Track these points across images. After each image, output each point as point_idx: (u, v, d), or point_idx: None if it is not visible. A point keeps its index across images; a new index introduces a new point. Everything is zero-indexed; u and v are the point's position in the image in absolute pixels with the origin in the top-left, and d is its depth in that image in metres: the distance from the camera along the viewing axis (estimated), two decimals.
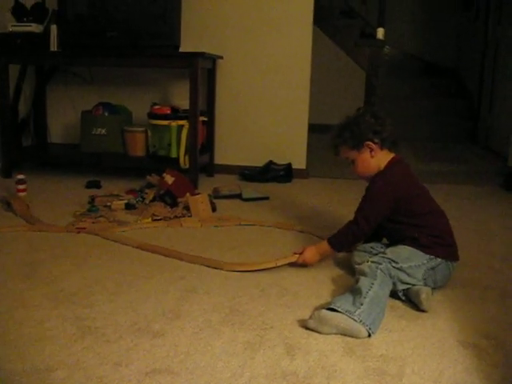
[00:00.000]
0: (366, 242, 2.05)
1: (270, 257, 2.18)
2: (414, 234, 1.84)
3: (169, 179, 2.84)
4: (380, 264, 1.73)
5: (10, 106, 3.71)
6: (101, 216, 2.67)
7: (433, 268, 1.81)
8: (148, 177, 3.09)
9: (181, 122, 3.36)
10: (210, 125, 3.74)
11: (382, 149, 1.96)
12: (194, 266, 2.08)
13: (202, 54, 3.31)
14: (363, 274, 1.71)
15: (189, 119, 3.33)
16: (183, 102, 3.66)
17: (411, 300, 1.76)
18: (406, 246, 1.83)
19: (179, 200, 2.77)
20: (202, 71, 3.48)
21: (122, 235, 2.42)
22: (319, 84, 3.86)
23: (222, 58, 3.73)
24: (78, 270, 2.02)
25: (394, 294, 1.77)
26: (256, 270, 2.03)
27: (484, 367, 1.41)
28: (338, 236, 2.01)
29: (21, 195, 2.98)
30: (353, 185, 3.52)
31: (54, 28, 3.54)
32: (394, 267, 1.75)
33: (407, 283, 1.77)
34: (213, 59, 3.68)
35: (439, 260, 1.82)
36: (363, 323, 1.53)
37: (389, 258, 1.76)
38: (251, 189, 3.30)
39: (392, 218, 1.91)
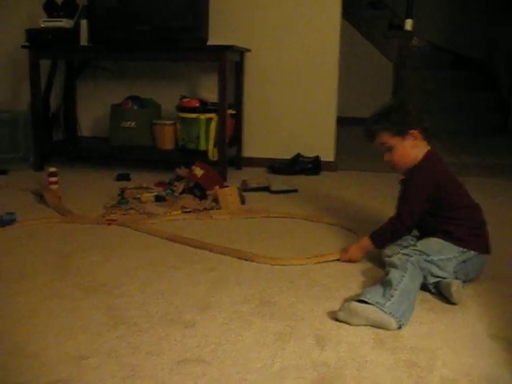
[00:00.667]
0: None
1: (301, 249, 2.20)
2: (449, 227, 1.82)
3: (198, 172, 2.86)
4: (411, 256, 1.72)
5: (42, 100, 3.77)
6: (131, 208, 2.70)
7: (464, 261, 1.79)
8: (177, 169, 3.12)
9: (209, 115, 3.37)
10: (238, 117, 3.75)
11: (423, 139, 1.94)
12: (224, 257, 2.10)
13: (230, 48, 3.32)
14: (394, 266, 1.70)
15: (217, 112, 3.34)
16: (211, 95, 3.68)
17: (441, 293, 1.75)
18: (437, 239, 1.82)
19: (208, 192, 2.78)
20: (230, 64, 3.49)
21: (153, 227, 2.45)
22: (346, 76, 3.84)
23: (250, 50, 3.73)
24: (108, 261, 2.05)
25: (424, 287, 1.76)
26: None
27: None
28: (380, 233, 1.99)
29: (53, 188, 3.03)
30: (381, 178, 3.52)
31: (84, 23, 3.57)
32: (424, 260, 1.74)
33: (438, 276, 1.76)
34: (241, 52, 3.68)
35: (472, 253, 1.80)
36: (393, 315, 1.53)
37: (420, 251, 1.75)
38: (279, 181, 3.31)
39: (429, 211, 1.89)
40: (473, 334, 1.53)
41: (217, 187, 2.78)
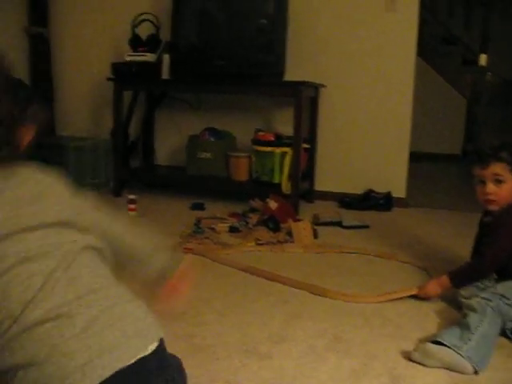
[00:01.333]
0: None
1: (373, 287, 2.20)
2: None
3: (272, 205, 2.92)
4: (490, 301, 1.71)
5: (122, 129, 3.95)
6: (206, 238, 2.78)
7: None
8: (251, 201, 3.19)
9: (284, 149, 3.44)
10: (311, 151, 3.81)
11: None
12: (297, 290, 2.14)
13: (306, 84, 3.40)
14: (472, 309, 1.69)
15: (292, 146, 3.40)
16: (285, 128, 3.76)
17: None
18: None
19: (282, 225, 2.84)
20: (305, 99, 3.56)
21: (228, 257, 2.52)
22: (419, 111, 3.84)
23: (324, 86, 3.79)
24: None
25: (501, 331, 1.74)
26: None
27: None
28: (460, 272, 1.98)
29: (131, 214, 3.16)
30: (453, 216, 3.49)
31: (166, 57, 3.74)
32: (505, 304, 1.72)
33: None
34: (316, 88, 3.75)
35: None
36: (470, 359, 1.52)
37: (500, 294, 1.74)
38: (351, 216, 3.33)
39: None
40: None
41: (290, 220, 2.83)
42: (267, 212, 2.94)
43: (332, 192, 3.91)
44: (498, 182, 1.93)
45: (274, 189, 3.40)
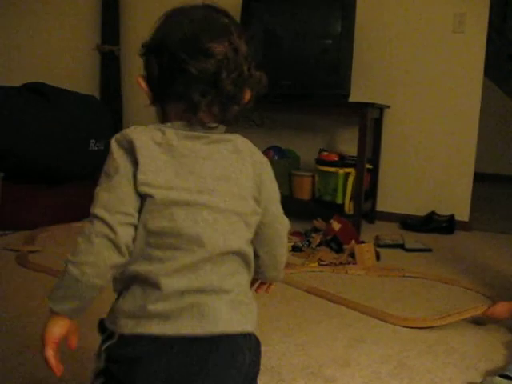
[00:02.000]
0: None
1: (435, 312, 2.19)
2: None
3: (336, 225, 2.95)
4: None
5: None
6: None
7: None
8: (314, 221, 3.22)
9: (347, 170, 3.46)
10: (374, 172, 3.82)
11: None
12: (360, 314, 2.16)
13: (371, 105, 3.41)
14: None
15: (356, 167, 3.42)
16: (349, 148, 3.79)
17: None
18: None
19: (344, 247, 2.86)
20: (370, 120, 3.58)
21: (291, 277, 2.55)
22: (481, 131, 3.79)
23: (389, 107, 3.80)
24: None
25: None
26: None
27: None
28: None
29: None
30: None
31: None
32: None
33: None
34: (380, 109, 3.76)
35: None
36: None
37: None
38: (413, 239, 3.32)
39: None
40: None
41: (353, 242, 2.85)
42: (330, 233, 2.96)
43: (393, 213, 3.90)
44: None
45: (337, 209, 3.43)
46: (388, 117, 3.87)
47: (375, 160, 3.84)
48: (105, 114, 3.59)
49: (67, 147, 3.17)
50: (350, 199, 3.44)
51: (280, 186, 3.71)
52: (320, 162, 3.61)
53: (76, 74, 4.34)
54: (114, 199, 0.90)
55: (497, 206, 4.85)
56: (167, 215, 0.91)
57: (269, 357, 1.76)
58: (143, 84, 1.01)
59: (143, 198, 0.92)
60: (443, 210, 3.76)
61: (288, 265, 2.72)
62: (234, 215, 0.97)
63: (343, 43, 3.53)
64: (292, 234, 3.18)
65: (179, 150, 0.94)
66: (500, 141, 6.39)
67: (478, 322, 2.09)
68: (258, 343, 1.07)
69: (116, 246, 0.89)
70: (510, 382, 1.54)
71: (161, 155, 0.93)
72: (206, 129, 0.98)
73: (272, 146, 3.92)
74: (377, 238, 3.27)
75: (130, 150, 0.92)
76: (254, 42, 3.74)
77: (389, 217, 3.89)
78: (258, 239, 1.07)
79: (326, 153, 3.65)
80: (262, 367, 1.66)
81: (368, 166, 3.59)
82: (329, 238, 2.94)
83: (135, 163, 0.92)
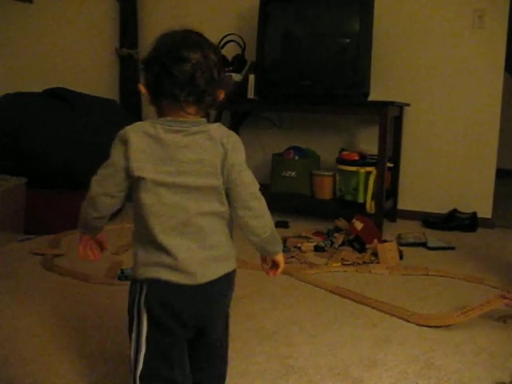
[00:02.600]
0: None
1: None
2: None
3: (358, 225, 2.94)
4: None
5: None
6: (292, 257, 2.84)
7: None
8: (336, 221, 3.22)
9: (368, 169, 3.45)
10: (394, 170, 3.80)
11: None
12: (385, 314, 2.15)
13: (391, 103, 3.40)
14: None
15: (376, 166, 3.41)
16: (369, 147, 3.78)
17: None
18: None
19: (367, 246, 2.86)
20: (390, 118, 3.56)
21: (314, 277, 2.56)
22: (505, 127, 3.74)
23: (408, 105, 3.78)
24: (276, 309, 2.19)
25: None
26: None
27: None
28: None
29: None
30: None
31: (251, 77, 3.83)
32: None
33: None
34: (400, 107, 3.75)
35: None
36: None
37: None
38: (435, 237, 3.30)
39: None
40: None
41: (376, 241, 2.85)
42: (353, 232, 2.96)
43: (415, 211, 3.89)
44: None
45: (358, 208, 3.42)
46: (408, 115, 3.86)
47: (396, 158, 3.82)
48: (126, 117, 3.62)
49: (90, 151, 3.19)
50: (372, 198, 3.43)
51: (301, 186, 3.77)
52: (341, 161, 3.60)
53: (95, 77, 4.37)
54: (105, 180, 1.31)
55: None
56: (155, 192, 1.25)
57: (295, 357, 1.77)
58: (143, 89, 1.31)
59: (138, 180, 1.25)
60: (465, 208, 3.73)
61: (311, 265, 2.73)
62: (206, 188, 1.27)
63: (362, 41, 3.51)
64: (314, 233, 3.19)
65: (164, 140, 1.26)
66: None
67: (504, 320, 2.08)
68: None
69: (106, 194, 1.30)
70: None
71: (152, 145, 1.25)
72: (187, 124, 1.28)
73: (292, 146, 3.92)
74: (399, 236, 3.26)
75: (125, 145, 1.26)
76: (271, 43, 3.76)
77: (410, 215, 3.88)
78: (232, 198, 1.31)
79: (346, 152, 3.64)
80: (289, 368, 1.69)
81: (388, 164, 3.58)
82: (351, 237, 2.94)
83: (127, 157, 1.25)
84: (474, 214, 3.66)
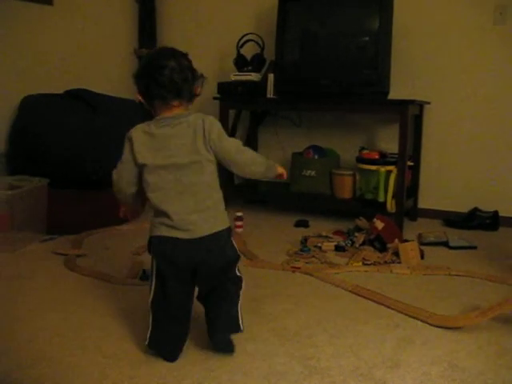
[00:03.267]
0: None
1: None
2: None
3: (379, 224, 2.93)
4: None
5: None
6: (312, 256, 2.83)
7: None
8: (357, 220, 3.21)
9: (389, 168, 3.43)
10: (415, 169, 3.78)
11: None
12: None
13: (411, 102, 3.38)
14: None
15: (397, 165, 3.39)
16: (389, 146, 3.76)
17: None
18: None
19: (388, 245, 2.84)
20: (410, 117, 3.54)
21: (336, 277, 2.55)
22: None
23: (429, 103, 3.76)
24: (297, 309, 2.18)
25: None
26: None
27: None
28: None
29: (238, 231, 3.25)
30: None
31: (270, 77, 3.83)
32: None
33: None
34: (420, 105, 3.72)
35: None
36: None
37: None
38: (456, 236, 3.28)
39: None
40: None
41: (396, 241, 2.83)
42: (374, 232, 2.95)
43: (436, 210, 3.86)
44: None
45: (378, 207, 3.41)
46: (428, 113, 3.83)
47: (416, 157, 3.80)
48: (145, 117, 3.63)
49: (110, 152, 3.21)
50: (392, 197, 3.42)
51: (320, 185, 3.79)
52: (361, 160, 3.59)
53: (115, 78, 4.39)
54: (122, 172, 1.80)
55: None
56: (156, 173, 1.71)
57: (318, 358, 1.77)
58: (140, 97, 1.77)
59: (142, 166, 1.72)
60: (486, 206, 3.70)
61: (332, 264, 2.72)
62: (194, 163, 1.70)
63: (381, 40, 3.50)
64: (334, 233, 3.18)
65: (156, 134, 1.72)
66: None
67: None
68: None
69: (123, 180, 1.81)
70: None
71: (147, 140, 1.72)
72: (172, 118, 1.73)
73: (312, 145, 3.91)
74: (420, 235, 3.24)
75: (130, 142, 1.75)
76: (290, 43, 3.75)
77: (431, 214, 3.85)
78: (225, 163, 1.77)
79: (366, 151, 3.63)
80: (311, 369, 1.69)
81: (409, 162, 3.56)
82: (372, 236, 2.93)
83: (133, 151, 1.73)
84: (496, 212, 3.63)
